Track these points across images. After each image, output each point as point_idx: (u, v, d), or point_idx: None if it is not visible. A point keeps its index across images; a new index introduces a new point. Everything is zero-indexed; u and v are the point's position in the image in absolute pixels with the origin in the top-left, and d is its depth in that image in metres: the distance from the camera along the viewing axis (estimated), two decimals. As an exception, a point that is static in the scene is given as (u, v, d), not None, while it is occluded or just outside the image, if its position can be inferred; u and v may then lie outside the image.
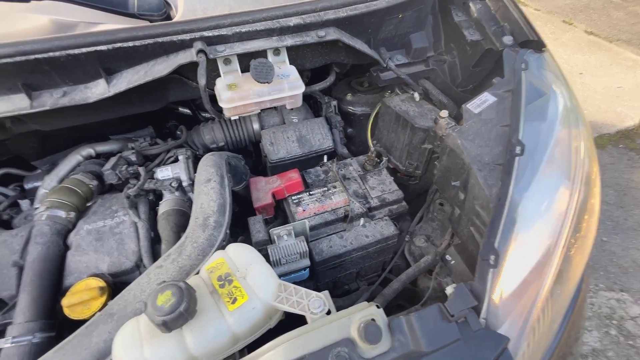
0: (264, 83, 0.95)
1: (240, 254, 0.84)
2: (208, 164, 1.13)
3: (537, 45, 1.16)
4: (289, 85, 1.02)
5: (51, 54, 0.80)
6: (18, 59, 0.78)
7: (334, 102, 1.58)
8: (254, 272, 0.80)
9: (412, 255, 1.22)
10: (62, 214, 1.12)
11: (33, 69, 0.82)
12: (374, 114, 1.53)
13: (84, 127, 1.33)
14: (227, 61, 1.00)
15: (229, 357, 0.81)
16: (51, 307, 1.00)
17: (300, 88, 1.04)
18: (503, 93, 1.06)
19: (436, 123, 1.15)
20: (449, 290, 0.90)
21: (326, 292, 0.80)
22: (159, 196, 1.28)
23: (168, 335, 0.69)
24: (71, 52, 0.81)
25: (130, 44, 0.86)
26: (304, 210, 1.21)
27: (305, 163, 1.41)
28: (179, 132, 1.47)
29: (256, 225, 1.12)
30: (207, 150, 1.50)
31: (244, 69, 1.02)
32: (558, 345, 0.86)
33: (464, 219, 1.04)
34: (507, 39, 1.16)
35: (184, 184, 1.27)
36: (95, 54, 0.85)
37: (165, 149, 1.36)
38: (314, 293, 0.79)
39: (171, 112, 1.62)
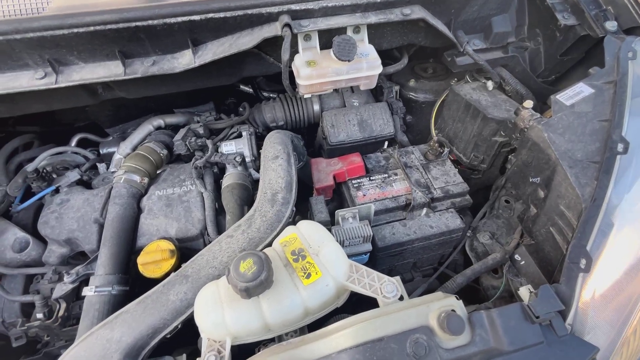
0: (345, 61, 0.93)
1: (313, 231, 0.84)
2: (275, 141, 1.14)
3: (648, 32, 1.03)
4: (367, 64, 0.99)
5: (150, 22, 0.83)
6: (121, 25, 0.82)
7: (396, 88, 1.53)
8: (327, 250, 0.80)
9: (474, 252, 1.17)
10: (137, 178, 1.18)
11: (131, 36, 0.86)
12: (439, 101, 1.45)
13: (154, 98, 1.39)
14: (307, 37, 0.99)
15: (297, 331, 0.83)
16: (126, 264, 1.07)
17: (378, 68, 1.01)
18: (602, 85, 0.95)
19: (517, 114, 1.07)
20: (523, 291, 0.85)
21: (398, 277, 0.79)
22: (221, 169, 1.32)
23: (247, 301, 0.72)
24: (167, 20, 0.84)
25: (222, 14, 0.87)
26: (364, 195, 1.19)
27: (363, 148, 1.38)
28: (241, 109, 1.50)
29: (318, 205, 1.12)
30: (267, 128, 1.52)
31: (322, 46, 1.00)
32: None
33: (542, 218, 0.97)
34: (611, 25, 1.04)
35: (247, 159, 1.30)
36: (188, 23, 0.87)
37: (229, 124, 1.39)
38: (386, 277, 0.78)
39: (231, 90, 1.65)
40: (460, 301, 0.70)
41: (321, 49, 1.01)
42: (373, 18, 0.97)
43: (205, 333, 0.73)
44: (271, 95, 1.59)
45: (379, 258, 1.09)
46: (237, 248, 0.91)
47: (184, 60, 0.94)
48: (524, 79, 1.28)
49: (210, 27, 0.91)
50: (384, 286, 0.76)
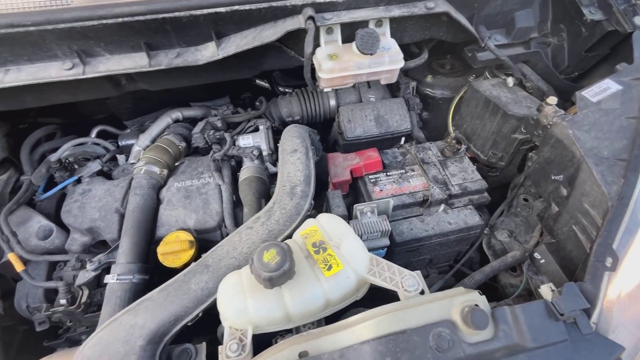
0: (368, 54, 0.92)
1: (333, 224, 0.85)
2: (293, 134, 1.14)
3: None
4: (389, 58, 0.99)
5: (177, 13, 0.84)
6: (149, 17, 0.83)
7: (413, 84, 1.52)
8: (348, 243, 0.80)
9: (491, 249, 1.16)
10: (156, 170, 1.20)
11: (157, 28, 0.87)
12: (457, 98, 1.44)
13: (172, 91, 1.41)
14: (329, 30, 0.99)
15: (314, 323, 0.84)
16: (146, 253, 1.09)
17: (400, 63, 1.00)
18: (631, 81, 0.93)
19: (540, 111, 1.05)
20: (545, 289, 0.84)
21: (418, 272, 0.79)
22: (238, 163, 1.33)
23: (269, 291, 0.72)
24: (194, 12, 0.85)
25: (247, 7, 0.88)
26: (380, 191, 1.19)
27: (379, 143, 1.37)
28: (257, 103, 1.50)
29: (335, 199, 1.12)
30: (283, 122, 1.52)
31: (344, 39, 1.00)
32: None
33: (564, 216, 0.95)
34: (640, 20, 1.02)
35: (264, 153, 1.31)
36: (213, 15, 0.87)
37: (246, 118, 1.40)
38: (406, 271, 0.78)
39: (247, 84, 1.66)
40: (484, 296, 0.70)
41: (343, 42, 1.01)
42: (396, 11, 0.97)
43: (228, 321, 0.74)
44: (286, 90, 1.59)
45: (396, 253, 1.08)
46: (256, 239, 0.92)
47: (208, 52, 0.95)
48: (545, 75, 1.26)
49: (235, 20, 0.91)
50: (404, 280, 0.76)
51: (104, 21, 0.82)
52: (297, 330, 0.90)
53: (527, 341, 0.66)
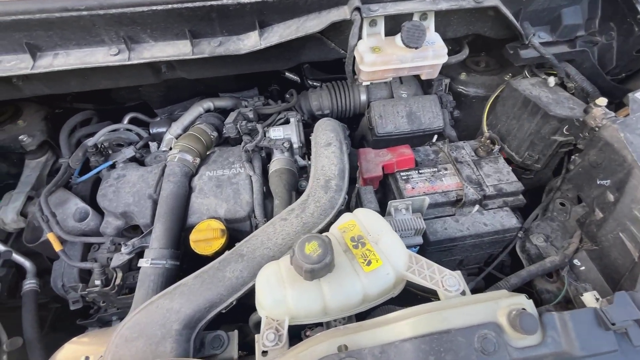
0: (413, 48, 0.90)
1: (371, 219, 0.84)
2: (327, 127, 1.13)
3: None
4: (433, 53, 0.96)
5: (225, 1, 0.84)
6: (197, 4, 0.83)
7: (446, 81, 1.48)
8: (387, 239, 0.79)
9: (525, 253, 1.12)
10: (189, 158, 1.21)
11: (203, 16, 0.87)
12: (493, 96, 1.40)
13: (204, 82, 1.42)
14: (372, 23, 0.97)
15: (344, 318, 0.83)
16: (178, 240, 1.11)
17: (443, 58, 0.98)
18: (690, 83, 0.88)
19: (587, 112, 1.01)
20: (588, 297, 0.81)
21: (459, 272, 0.77)
22: (267, 154, 1.34)
23: (309, 283, 0.72)
24: (241, 0, 0.85)
25: (293, -4, 0.87)
26: (412, 188, 1.17)
27: (409, 140, 1.35)
28: (288, 96, 1.50)
29: (367, 195, 1.11)
30: (312, 116, 1.52)
31: (386, 32, 0.98)
32: None
33: (610, 223, 0.92)
34: (702, 19, 0.96)
35: (295, 145, 1.31)
36: (260, 4, 0.87)
37: (277, 110, 1.40)
38: (447, 270, 0.77)
39: (275, 76, 1.66)
40: (530, 300, 0.67)
41: (385, 35, 0.99)
42: (444, 4, 0.94)
43: (265, 310, 0.75)
44: (314, 84, 1.58)
45: (428, 252, 1.07)
46: (291, 231, 0.92)
47: (250, 42, 0.95)
48: (591, 76, 1.21)
49: (280, 9, 0.91)
50: (445, 279, 0.75)
51: (154, 7, 0.82)
52: (327, 324, 0.90)
53: (575, 349, 0.64)
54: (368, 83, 1.09)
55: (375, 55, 0.95)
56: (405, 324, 0.67)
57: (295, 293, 0.72)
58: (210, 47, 0.94)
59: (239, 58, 0.98)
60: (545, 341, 0.64)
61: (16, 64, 0.87)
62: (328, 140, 1.09)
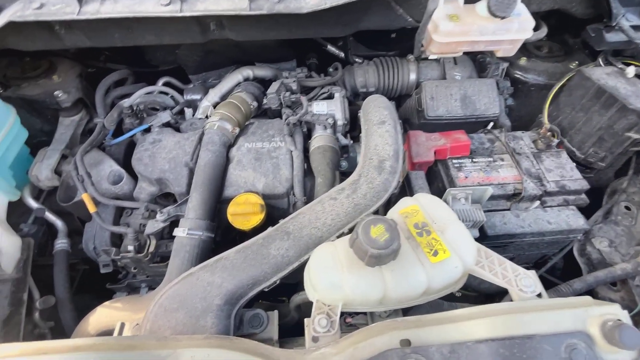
0: (499, 18, 0.80)
1: (436, 206, 0.76)
2: (380, 105, 1.04)
3: None
4: (519, 26, 0.85)
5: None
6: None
7: (504, 65, 1.36)
8: (454, 229, 0.72)
9: (585, 257, 1.04)
10: (229, 127, 1.15)
11: (265, -35, 0.78)
12: (559, 84, 1.28)
13: (241, 48, 1.33)
14: (451, -14, 0.87)
15: (387, 311, 0.77)
16: (214, 211, 1.06)
17: (528, 32, 0.87)
18: None
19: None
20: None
21: (534, 271, 0.69)
22: (308, 130, 1.26)
23: (370, 269, 0.66)
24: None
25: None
26: (465, 177, 1.09)
27: (460, 126, 1.25)
28: (331, 69, 1.41)
29: (419, 180, 1.03)
30: (355, 93, 1.42)
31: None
32: None
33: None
34: None
35: (338, 122, 1.22)
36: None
37: (321, 84, 1.31)
38: (521, 269, 0.69)
39: (316, 49, 1.56)
40: (625, 311, 0.60)
41: (465, 2, 0.88)
42: (537, -31, 0.83)
43: (318, 294, 0.69)
44: (356, 60, 1.47)
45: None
46: (341, 212, 0.85)
47: (313, 0, 0.85)
48: (681, 67, 1.08)
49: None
50: (519, 279, 0.67)
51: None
52: (371, 314, 0.85)
53: (673, 369, 0.56)
54: (436, 56, 0.99)
55: (453, 24, 0.85)
56: (479, 324, 0.60)
57: (354, 278, 0.65)
58: (269, 4, 0.85)
59: (296, 20, 0.89)
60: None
61: (61, 8, 0.80)
62: (382, 118, 1.00)
